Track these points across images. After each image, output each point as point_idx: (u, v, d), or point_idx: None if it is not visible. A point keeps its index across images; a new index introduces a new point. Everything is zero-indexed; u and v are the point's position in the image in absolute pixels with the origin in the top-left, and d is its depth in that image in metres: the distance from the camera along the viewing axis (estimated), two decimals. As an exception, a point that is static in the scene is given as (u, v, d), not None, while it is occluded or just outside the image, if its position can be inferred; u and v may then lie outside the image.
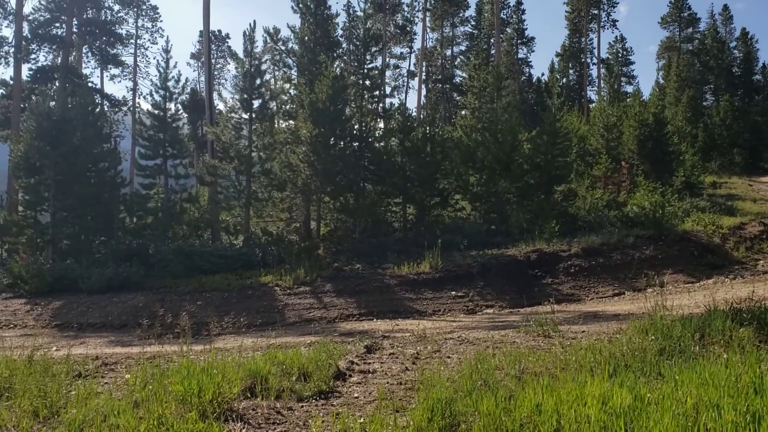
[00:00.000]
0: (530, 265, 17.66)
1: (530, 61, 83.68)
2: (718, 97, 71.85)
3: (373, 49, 28.63)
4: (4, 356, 7.67)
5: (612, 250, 18.45)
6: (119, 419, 5.28)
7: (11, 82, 35.77)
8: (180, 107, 30.37)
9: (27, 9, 35.29)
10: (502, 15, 68.06)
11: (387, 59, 63.79)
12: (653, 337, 7.45)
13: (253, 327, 14.08)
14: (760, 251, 20.64)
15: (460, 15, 70.95)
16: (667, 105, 59.46)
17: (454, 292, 16.00)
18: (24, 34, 34.87)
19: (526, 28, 73.75)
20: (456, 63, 72.35)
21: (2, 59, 36.33)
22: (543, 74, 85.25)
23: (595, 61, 73.28)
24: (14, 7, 34.83)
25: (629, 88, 67.25)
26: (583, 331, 9.20)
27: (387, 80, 67.68)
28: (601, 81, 70.76)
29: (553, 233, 20.02)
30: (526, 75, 73.94)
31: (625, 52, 76.47)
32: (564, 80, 73.24)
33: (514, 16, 72.22)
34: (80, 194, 22.75)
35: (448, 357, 8.02)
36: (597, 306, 13.83)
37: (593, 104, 61.89)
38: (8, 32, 37.27)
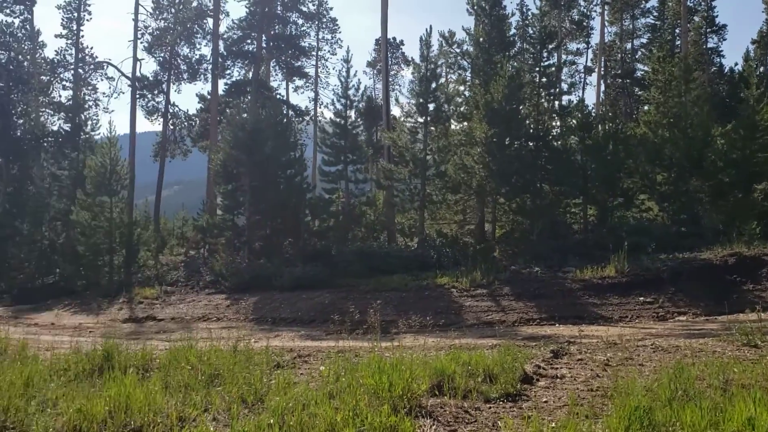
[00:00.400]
0: (727, 270, 16.22)
1: (721, 51, 76.49)
2: None
3: (549, 46, 27.87)
4: (212, 346, 8.40)
5: (829, 255, 16.46)
6: (317, 409, 5.59)
7: (209, 97, 39.33)
8: (357, 114, 31.63)
9: (222, 28, 38.70)
10: (689, 3, 63.42)
11: (563, 56, 62.00)
12: None
13: (432, 327, 14.24)
14: None
15: (641, 6, 67.14)
16: None
17: (642, 298, 15.12)
18: (220, 52, 38.23)
19: (717, 15, 67.84)
20: (637, 56, 68.63)
21: (201, 76, 40.13)
22: (736, 64, 78.08)
23: (800, 45, 65.77)
24: (211, 27, 38.35)
25: None
26: (798, 343, 8.32)
27: (563, 77, 65.74)
28: (809, 67, 63.37)
29: (754, 235, 18.29)
30: (717, 66, 68.13)
31: (838, 32, 67.96)
32: (761, 69, 66.64)
33: (703, 3, 66.90)
34: (272, 199, 24.48)
35: (641, 365, 7.61)
36: (812, 316, 12.40)
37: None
38: (206, 51, 41.02)
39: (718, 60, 70.08)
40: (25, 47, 39.63)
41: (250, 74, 38.78)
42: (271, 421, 5.41)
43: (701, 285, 15.46)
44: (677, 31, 60.43)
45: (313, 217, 26.09)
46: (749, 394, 5.47)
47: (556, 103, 28.43)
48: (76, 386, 6.86)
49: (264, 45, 38.01)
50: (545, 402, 6.26)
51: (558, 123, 27.59)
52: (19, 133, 38.59)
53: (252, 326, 16.06)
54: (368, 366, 6.60)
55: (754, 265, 16.21)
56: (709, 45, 67.70)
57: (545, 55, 26.69)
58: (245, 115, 28.54)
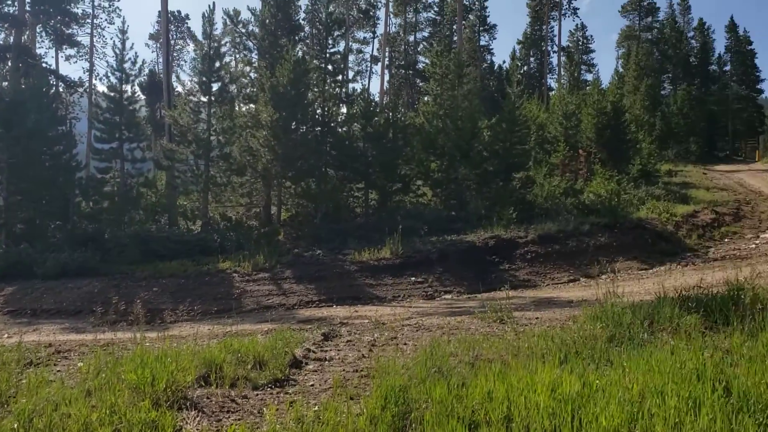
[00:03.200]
0: (488, 251, 17.86)
1: (492, 49, 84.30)
2: (676, 86, 73.61)
3: (336, 33, 28.44)
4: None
5: (568, 237, 18.73)
6: (71, 408, 5.23)
7: (-40, 61, 34.60)
8: (138, 89, 29.73)
9: (-25, -14, 34.12)
10: (464, 2, 68.14)
11: (350, 44, 63.56)
12: (604, 324, 7.62)
13: (210, 314, 13.95)
14: (711, 239, 21.24)
15: (423, 1, 70.93)
16: (626, 93, 60.63)
17: (413, 278, 16.09)
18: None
19: (489, 15, 74.01)
20: (419, 49, 72.41)
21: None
22: (504, 62, 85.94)
23: (555, 49, 74.00)
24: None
25: (589, 77, 68.40)
26: (536, 318, 9.38)
27: (350, 65, 67.59)
28: (562, 69, 71.57)
29: (511, 220, 20.27)
30: (488, 62, 74.32)
31: (585, 41, 77.40)
32: (525, 68, 73.81)
33: (477, 3, 72.41)
34: (35, 178, 22.20)
35: (404, 344, 8.11)
36: (552, 292, 14.08)
37: (553, 92, 62.60)
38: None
39: (489, 57, 76.55)
40: None
41: (11, 39, 34.72)
42: (15, 425, 4.97)
43: (466, 265, 16.85)
44: (455, 27, 64.73)
45: (85, 198, 24.12)
46: (491, 368, 6.07)
47: (342, 90, 29.08)
48: None
49: (28, 8, 34.18)
50: (311, 385, 6.42)
51: (344, 110, 28.29)
52: None
53: (6, 320, 14.49)
54: (132, 360, 6.31)
55: (510, 247, 18.01)
56: (482, 43, 73.53)
57: (331, 41, 27.19)
58: (5, 83, 25.55)
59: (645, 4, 78.67)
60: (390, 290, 15.29)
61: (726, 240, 20.96)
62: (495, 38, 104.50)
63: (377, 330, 9.07)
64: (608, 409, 4.78)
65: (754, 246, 19.06)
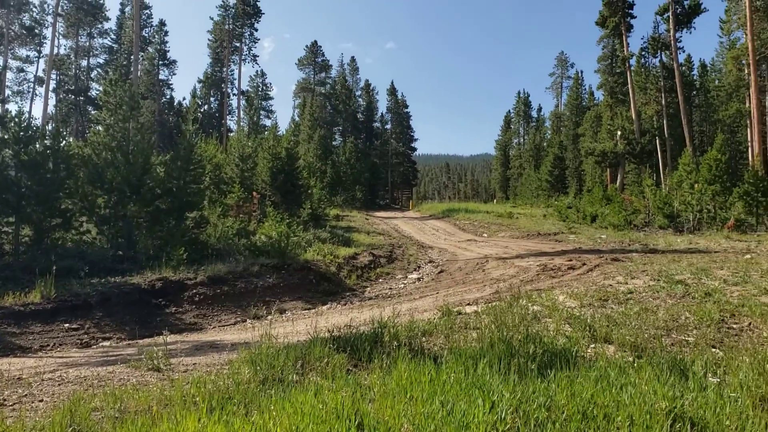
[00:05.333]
0: (154, 294, 17.07)
1: (172, 84, 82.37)
2: (345, 138, 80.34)
3: (-12, 46, 25.13)
4: None
5: (237, 279, 18.87)
6: None
7: None
8: None
9: None
10: (144, 33, 65.97)
11: (8, 60, 57.13)
12: (258, 367, 7.76)
13: None
14: (368, 279, 23.27)
15: (99, 26, 66.89)
16: (301, 141, 64.38)
17: (67, 324, 14.59)
18: None
19: (169, 50, 72.69)
20: (93, 75, 67.87)
21: None
22: (185, 98, 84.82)
23: (236, 92, 75.42)
24: None
25: (268, 122, 71.09)
26: (194, 364, 9.16)
27: (9, 83, 60.44)
28: (242, 112, 73.14)
29: (181, 261, 19.76)
30: (168, 97, 72.57)
31: (264, 87, 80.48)
32: (206, 107, 73.82)
33: (157, 36, 70.56)
34: None
35: (41, 401, 7.25)
36: (217, 335, 13.94)
37: (232, 134, 63.61)
38: None
39: (170, 93, 74.90)
40: None
41: None
42: None
43: (129, 309, 15.87)
44: (132, 57, 62.08)
45: None
46: (135, 422, 5.74)
47: (-7, 110, 25.69)
48: None
49: None
50: None
51: (-2, 132, 24.87)
52: None
53: None
54: None
55: (178, 289, 17.48)
56: (161, 77, 71.70)
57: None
58: None
59: (319, 60, 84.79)
60: (38, 339, 13.66)
61: (380, 280, 23.15)
62: (175, 74, 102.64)
63: (11, 386, 7.99)
64: (248, 457, 4.82)
65: (402, 285, 21.34)
